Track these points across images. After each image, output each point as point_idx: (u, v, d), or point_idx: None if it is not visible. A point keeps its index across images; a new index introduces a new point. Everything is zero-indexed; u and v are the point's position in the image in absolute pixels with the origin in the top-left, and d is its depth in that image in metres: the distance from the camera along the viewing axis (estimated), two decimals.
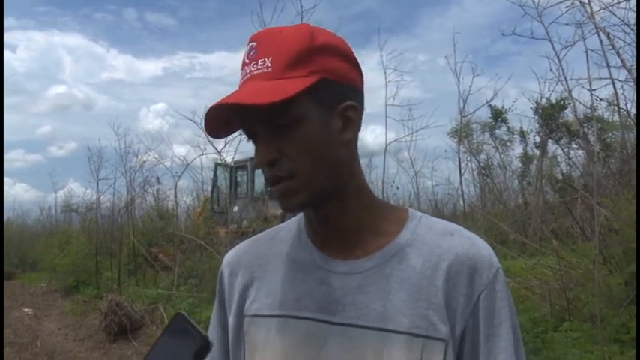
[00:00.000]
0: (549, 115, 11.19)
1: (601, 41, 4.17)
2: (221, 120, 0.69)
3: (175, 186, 10.05)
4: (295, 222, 0.82)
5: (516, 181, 13.14)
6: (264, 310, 0.75)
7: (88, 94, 31.89)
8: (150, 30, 34.16)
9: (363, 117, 0.73)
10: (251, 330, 0.76)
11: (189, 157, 9.09)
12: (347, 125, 0.70)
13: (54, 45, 31.47)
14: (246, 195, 10.24)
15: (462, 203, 8.91)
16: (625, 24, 4.27)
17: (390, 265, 0.71)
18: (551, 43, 4.43)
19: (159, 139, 22.78)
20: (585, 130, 7.74)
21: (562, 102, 10.44)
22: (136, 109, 30.68)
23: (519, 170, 13.25)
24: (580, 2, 4.17)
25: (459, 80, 6.50)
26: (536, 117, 11.68)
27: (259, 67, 0.67)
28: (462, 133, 9.29)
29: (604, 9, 4.22)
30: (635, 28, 4.15)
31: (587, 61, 4.12)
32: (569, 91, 4.77)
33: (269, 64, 0.67)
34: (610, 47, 4.17)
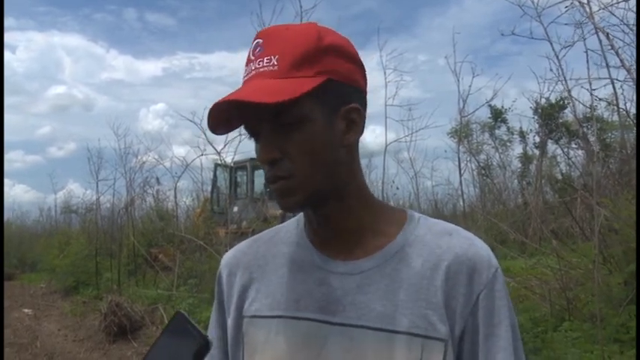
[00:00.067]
0: (549, 115, 11.21)
1: (600, 41, 4.19)
2: (224, 117, 0.69)
3: (175, 186, 10.06)
4: (295, 222, 0.82)
5: (516, 181, 13.17)
6: (263, 310, 0.75)
7: (87, 95, 31.98)
8: (150, 30, 34.24)
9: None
10: (250, 331, 0.76)
11: (189, 158, 9.11)
12: (350, 127, 0.70)
13: (53, 45, 31.54)
14: (246, 195, 10.24)
15: (461, 203, 8.91)
16: (624, 24, 4.28)
17: (389, 266, 0.71)
18: (551, 43, 4.44)
19: (158, 140, 22.86)
20: (585, 129, 7.74)
21: (562, 102, 10.45)
22: (136, 110, 30.75)
23: (519, 170, 13.28)
24: (579, 2, 4.18)
25: (458, 80, 6.51)
26: (536, 117, 11.71)
27: (265, 64, 0.67)
28: (461, 133, 9.29)
29: (603, 9, 4.23)
30: (634, 28, 4.15)
31: (587, 61, 4.13)
32: (569, 91, 4.78)
33: (275, 62, 0.66)
34: (609, 47, 4.18)
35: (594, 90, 4.46)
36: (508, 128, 13.84)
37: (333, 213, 0.73)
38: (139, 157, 10.58)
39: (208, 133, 7.29)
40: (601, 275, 3.91)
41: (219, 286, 0.83)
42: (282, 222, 0.86)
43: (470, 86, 6.49)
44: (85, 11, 36.61)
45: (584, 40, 4.19)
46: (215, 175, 10.77)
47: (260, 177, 10.20)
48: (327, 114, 0.68)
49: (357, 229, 0.74)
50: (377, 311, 0.69)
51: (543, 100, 10.27)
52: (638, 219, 3.42)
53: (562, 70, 4.50)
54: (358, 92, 0.72)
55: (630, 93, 5.01)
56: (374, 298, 0.70)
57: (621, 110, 5.09)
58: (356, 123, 0.71)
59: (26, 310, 8.95)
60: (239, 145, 7.31)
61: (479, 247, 0.72)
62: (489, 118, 13.75)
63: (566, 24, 4.48)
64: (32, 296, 10.41)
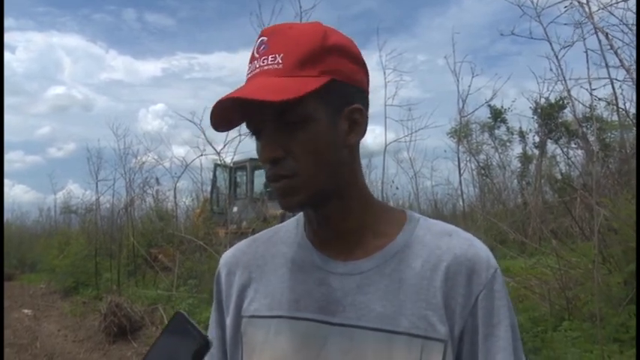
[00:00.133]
0: (548, 114, 11.22)
1: (600, 41, 4.19)
2: (227, 114, 0.69)
3: (175, 187, 10.06)
4: (294, 222, 0.82)
5: (515, 180, 13.17)
6: (262, 310, 0.75)
7: (87, 95, 31.91)
8: (149, 30, 34.21)
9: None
10: (249, 331, 0.76)
11: (189, 158, 9.09)
12: (353, 128, 0.70)
13: (53, 46, 31.53)
14: (246, 195, 10.24)
15: (461, 203, 8.92)
16: (624, 24, 4.29)
17: (389, 266, 0.71)
18: (550, 43, 4.45)
19: (158, 140, 22.86)
20: (584, 129, 7.74)
21: (561, 102, 10.45)
22: (135, 110, 30.72)
23: (519, 170, 13.28)
24: (578, 2, 4.19)
25: (458, 80, 6.53)
26: (536, 117, 11.71)
27: (269, 62, 0.66)
28: (461, 133, 9.28)
29: (602, 9, 4.24)
30: (633, 28, 4.16)
31: (587, 61, 4.14)
32: (568, 91, 4.78)
33: (280, 61, 0.66)
34: (608, 47, 4.18)
35: (594, 90, 4.48)
36: (508, 128, 13.86)
37: (333, 213, 0.73)
38: (139, 158, 10.57)
39: (208, 133, 7.30)
40: (601, 275, 3.91)
41: (218, 286, 0.83)
42: (281, 222, 0.86)
43: (469, 86, 6.52)
44: (84, 11, 36.57)
45: (584, 40, 4.20)
46: (215, 176, 10.77)
47: (259, 177, 10.20)
48: (330, 114, 0.68)
49: (357, 229, 0.74)
50: (377, 312, 0.69)
51: (543, 100, 10.29)
52: (637, 219, 3.42)
53: (561, 70, 4.51)
54: (361, 93, 0.72)
55: (630, 93, 5.03)
56: (374, 298, 0.70)
57: (621, 110, 5.09)
58: (359, 123, 0.71)
59: (26, 311, 8.95)
60: (239, 145, 7.32)
61: (478, 248, 0.72)
62: (489, 118, 13.77)
63: (565, 24, 4.49)
64: (32, 297, 10.41)
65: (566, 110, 10.54)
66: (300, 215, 0.81)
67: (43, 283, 11.54)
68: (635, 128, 5.00)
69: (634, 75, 4.11)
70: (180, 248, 8.27)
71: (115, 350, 6.30)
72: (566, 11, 4.35)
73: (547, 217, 8.42)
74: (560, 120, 11.28)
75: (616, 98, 4.75)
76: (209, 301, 0.87)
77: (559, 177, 10.06)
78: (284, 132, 0.67)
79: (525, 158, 13.17)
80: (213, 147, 7.59)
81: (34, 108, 31.47)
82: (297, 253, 0.77)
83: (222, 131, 0.72)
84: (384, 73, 6.60)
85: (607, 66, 4.31)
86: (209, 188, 11.01)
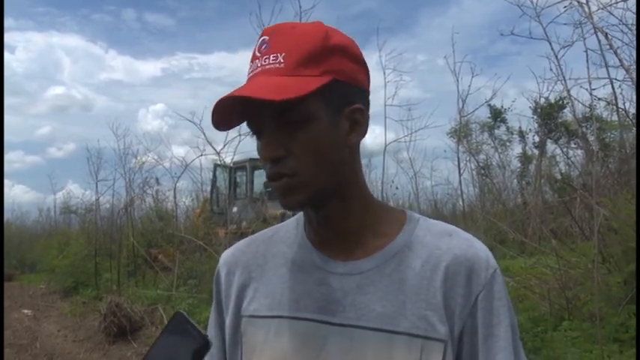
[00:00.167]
0: (548, 114, 11.22)
1: (599, 41, 4.20)
2: (228, 113, 0.69)
3: (175, 187, 10.06)
4: (294, 222, 0.82)
5: (515, 180, 13.16)
6: (262, 310, 0.75)
7: (86, 95, 31.88)
8: (149, 30, 34.17)
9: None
10: (249, 331, 0.76)
11: (189, 158, 9.10)
12: (354, 128, 0.71)
13: (52, 46, 31.51)
14: (246, 195, 10.24)
15: (461, 203, 8.92)
16: (623, 24, 4.30)
17: (389, 266, 0.71)
18: (550, 43, 4.46)
19: (158, 140, 22.86)
20: (584, 129, 7.75)
21: (561, 102, 10.46)
22: (135, 110, 30.76)
23: (518, 170, 13.27)
24: (578, 2, 4.19)
25: (458, 80, 6.55)
26: (535, 117, 11.71)
27: (271, 61, 0.67)
28: (461, 133, 9.29)
29: (602, 9, 4.24)
30: (633, 27, 4.16)
31: (587, 61, 4.14)
32: (568, 91, 4.79)
33: (281, 60, 0.66)
34: (608, 47, 4.18)
35: (593, 90, 4.49)
36: (507, 128, 13.85)
37: (334, 213, 0.73)
38: (139, 158, 10.58)
39: (208, 133, 7.32)
40: (600, 275, 3.91)
41: (218, 285, 0.83)
42: (281, 222, 0.86)
43: (469, 86, 6.55)
44: (83, 11, 36.48)
45: (584, 40, 4.20)
46: (214, 176, 10.77)
47: (259, 177, 10.20)
48: (331, 114, 0.68)
49: (357, 229, 0.74)
50: (377, 312, 0.69)
51: (542, 100, 10.31)
52: (637, 218, 3.42)
53: (561, 69, 4.52)
54: (362, 93, 0.72)
55: (629, 93, 5.04)
56: (374, 298, 0.70)
57: (620, 110, 5.09)
58: (360, 124, 0.71)
59: (26, 311, 8.95)
60: (238, 145, 7.33)
61: (478, 249, 0.72)
62: (489, 117, 13.76)
63: (565, 24, 4.49)
64: (32, 297, 10.40)
65: (566, 110, 10.56)
66: (300, 215, 0.81)
67: (42, 283, 11.54)
68: (634, 128, 5.00)
69: (633, 75, 4.11)
70: (180, 248, 8.27)
71: (114, 350, 6.30)
72: (565, 11, 4.36)
73: (547, 216, 8.42)
74: (559, 120, 11.28)
75: (616, 98, 4.76)
76: (209, 301, 0.86)
77: (559, 177, 10.06)
78: (285, 131, 0.67)
79: (525, 158, 13.17)
80: (213, 147, 7.62)
81: (33, 108, 31.49)
82: (297, 253, 0.77)
83: (223, 130, 0.72)
84: (384, 73, 6.61)
85: (607, 66, 4.32)
86: (209, 188, 11.01)
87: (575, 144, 10.75)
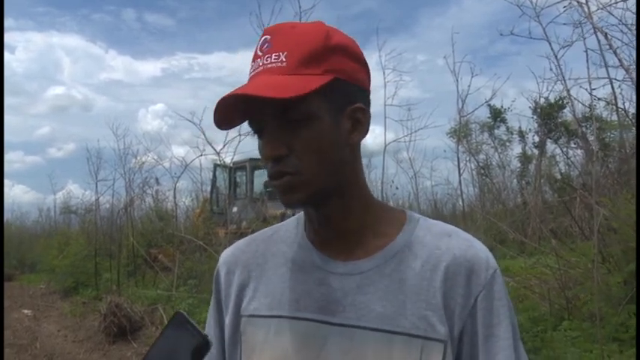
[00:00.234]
0: (548, 114, 11.22)
1: (599, 41, 4.19)
2: (230, 112, 0.69)
3: (174, 187, 10.05)
4: (294, 221, 0.82)
5: (515, 180, 13.16)
6: (262, 310, 0.75)
7: (86, 95, 31.89)
8: (149, 30, 34.18)
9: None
10: (248, 330, 0.76)
11: (188, 158, 9.08)
12: (355, 127, 0.71)
13: (52, 46, 31.52)
14: (246, 195, 10.24)
15: (461, 203, 8.92)
16: (623, 24, 4.30)
17: (389, 266, 0.71)
18: (550, 43, 4.46)
19: (158, 140, 22.86)
20: (584, 129, 7.75)
21: (561, 101, 10.45)
22: (135, 110, 30.78)
23: (518, 170, 13.27)
24: (577, 2, 4.19)
25: (457, 80, 6.53)
26: (535, 117, 11.70)
27: (273, 60, 0.67)
28: (460, 132, 9.28)
29: (602, 9, 4.24)
30: (632, 27, 4.16)
31: (587, 61, 4.14)
32: (568, 91, 4.79)
33: (283, 59, 0.66)
34: (608, 47, 4.18)
35: (593, 90, 4.49)
36: (507, 128, 13.85)
37: (334, 212, 0.73)
38: (139, 158, 10.56)
39: (208, 133, 7.31)
40: (600, 274, 3.91)
41: (217, 285, 0.83)
42: (281, 222, 0.86)
43: (469, 86, 6.53)
44: (83, 11, 36.46)
45: (583, 39, 4.20)
46: (214, 176, 10.77)
47: (259, 177, 10.20)
48: (333, 112, 0.68)
49: (358, 229, 0.74)
50: (377, 312, 0.69)
51: (542, 100, 10.29)
52: (637, 218, 3.42)
53: (561, 69, 4.52)
54: (363, 92, 0.72)
55: (629, 92, 5.04)
56: (374, 298, 0.70)
57: (620, 110, 5.09)
58: (361, 123, 0.71)
59: (26, 311, 8.94)
60: (238, 145, 7.32)
61: (477, 249, 0.72)
62: (488, 117, 13.76)
63: (564, 24, 4.49)
64: (32, 297, 10.40)
65: (566, 110, 10.55)
66: (300, 214, 0.81)
67: (42, 283, 11.53)
68: (634, 128, 5.00)
69: (633, 75, 4.11)
70: (180, 248, 8.27)
71: (114, 350, 6.30)
72: (565, 11, 4.36)
73: (547, 216, 8.42)
74: (559, 120, 11.28)
75: (615, 98, 4.76)
76: (209, 301, 0.86)
77: (559, 177, 10.06)
78: (287, 130, 0.67)
79: (525, 158, 13.16)
80: (212, 147, 7.60)
81: (33, 108, 31.48)
82: (297, 252, 0.77)
83: (225, 129, 0.72)
84: (384, 73, 6.59)
85: (606, 66, 4.31)
86: (209, 188, 11.01)
87: (575, 144, 10.75)
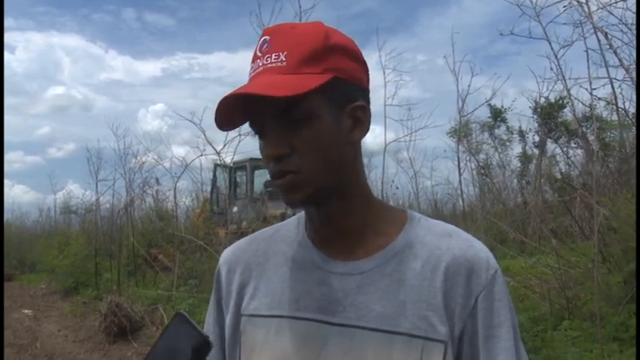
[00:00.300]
0: (548, 114, 11.21)
1: (599, 41, 4.20)
2: (231, 112, 0.69)
3: (175, 187, 10.06)
4: (295, 221, 0.82)
5: (515, 180, 13.15)
6: (262, 309, 0.75)
7: (86, 95, 31.86)
8: (149, 30, 34.16)
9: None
10: (248, 330, 0.76)
11: (189, 158, 9.09)
12: (356, 125, 0.71)
13: (52, 46, 31.48)
14: (246, 195, 10.24)
15: (461, 203, 8.92)
16: (623, 23, 4.29)
17: (390, 266, 0.71)
18: (550, 43, 4.46)
19: (158, 140, 22.85)
20: (584, 129, 7.75)
21: (561, 101, 10.45)
22: (135, 110, 30.76)
23: (518, 169, 13.26)
24: (578, 2, 4.19)
25: (457, 80, 6.53)
26: (535, 116, 11.69)
27: (273, 60, 0.67)
28: (461, 132, 9.28)
29: (602, 9, 4.24)
30: (632, 27, 4.16)
31: (587, 61, 4.14)
32: (568, 91, 4.80)
33: (283, 59, 0.67)
34: (608, 47, 4.18)
35: (593, 89, 4.49)
36: (507, 128, 13.84)
37: (335, 211, 0.73)
38: (139, 158, 10.56)
39: (208, 133, 7.31)
40: (600, 274, 3.91)
41: (218, 284, 0.83)
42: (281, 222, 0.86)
43: (469, 86, 6.53)
44: (83, 11, 36.38)
45: (583, 39, 4.21)
46: (214, 176, 10.76)
47: (259, 177, 10.20)
48: (334, 111, 0.68)
49: (358, 228, 0.74)
50: (377, 312, 0.69)
51: (542, 100, 10.29)
52: (637, 218, 3.42)
53: (561, 69, 4.52)
54: (363, 91, 0.72)
55: (629, 92, 5.04)
56: (374, 298, 0.70)
57: (620, 109, 5.09)
58: (362, 121, 0.71)
59: (26, 311, 8.94)
60: (238, 145, 7.31)
61: (478, 249, 0.72)
62: (489, 117, 13.75)
63: (564, 24, 4.50)
64: (32, 297, 10.40)
65: (566, 110, 10.54)
66: (301, 214, 0.81)
67: (43, 283, 11.53)
68: (634, 128, 5.00)
69: (633, 74, 4.11)
70: (181, 248, 8.27)
71: (115, 350, 6.30)
72: (565, 11, 4.36)
73: (547, 216, 8.41)
74: (559, 119, 11.27)
75: (615, 98, 4.76)
76: (209, 301, 0.86)
77: (559, 176, 10.05)
78: (288, 129, 0.67)
79: (525, 158, 13.16)
80: (213, 147, 7.61)
81: (33, 108, 31.44)
82: (298, 252, 0.77)
83: (227, 130, 0.72)
84: (384, 72, 6.60)
85: (606, 65, 4.32)
86: (209, 188, 11.01)
87: (575, 143, 10.74)
